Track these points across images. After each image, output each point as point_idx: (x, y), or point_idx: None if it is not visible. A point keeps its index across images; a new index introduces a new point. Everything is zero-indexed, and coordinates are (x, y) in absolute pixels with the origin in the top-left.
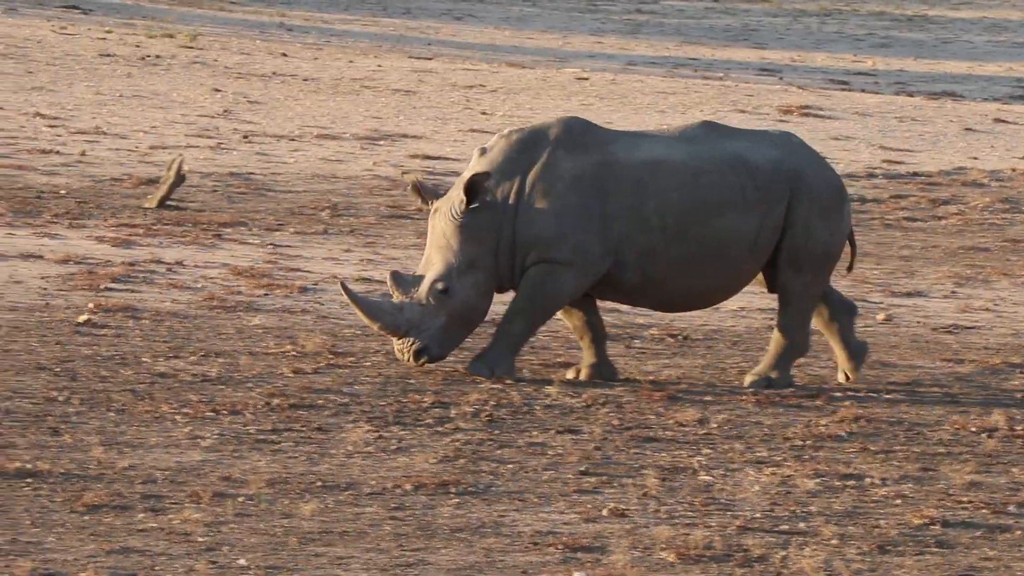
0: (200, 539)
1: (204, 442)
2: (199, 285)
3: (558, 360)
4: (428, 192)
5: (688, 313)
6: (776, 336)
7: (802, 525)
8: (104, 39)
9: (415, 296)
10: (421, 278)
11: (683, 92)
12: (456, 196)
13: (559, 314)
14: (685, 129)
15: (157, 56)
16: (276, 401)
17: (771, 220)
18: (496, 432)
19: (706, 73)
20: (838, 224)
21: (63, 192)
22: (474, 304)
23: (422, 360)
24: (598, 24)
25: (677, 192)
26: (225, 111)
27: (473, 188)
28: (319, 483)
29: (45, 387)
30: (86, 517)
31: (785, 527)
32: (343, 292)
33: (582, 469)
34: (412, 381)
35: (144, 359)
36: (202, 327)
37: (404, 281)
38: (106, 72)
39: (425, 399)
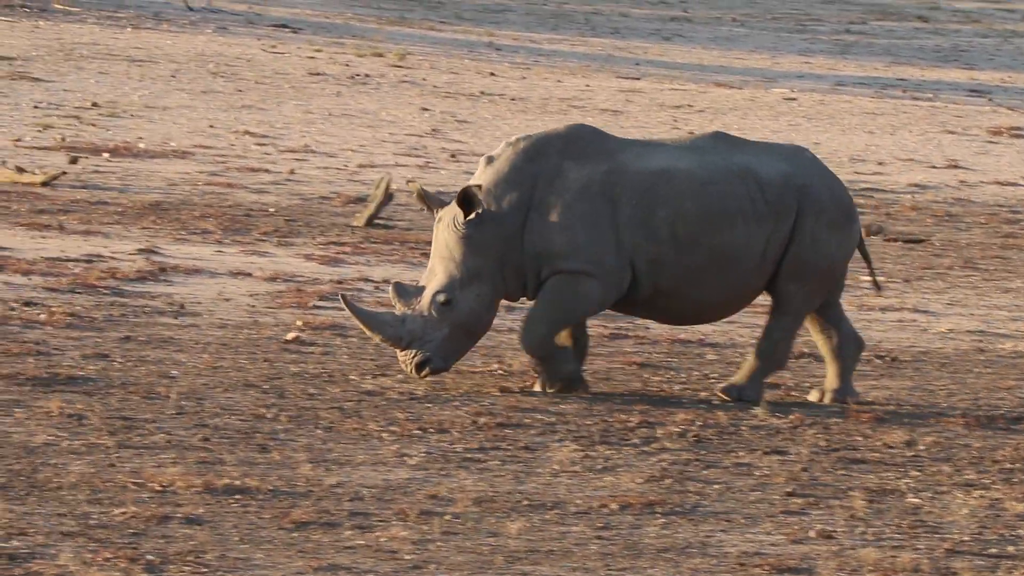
0: (407, 557)
1: (411, 460)
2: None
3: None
4: (433, 201)
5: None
6: (759, 344)
7: (1011, 549)
8: (314, 58)
9: (417, 307)
10: (423, 289)
11: (892, 113)
12: (457, 207)
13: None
14: (696, 139)
15: (366, 75)
16: (483, 420)
17: (779, 234)
18: (703, 452)
19: (915, 94)
20: (844, 240)
21: (272, 210)
22: (477, 315)
23: (424, 372)
24: (807, 44)
25: (687, 201)
26: (433, 130)
27: (466, 200)
28: (525, 502)
29: (253, 404)
30: (294, 534)
31: (994, 550)
32: (344, 304)
33: (789, 490)
34: (618, 401)
35: (351, 377)
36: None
37: (406, 292)
38: (315, 91)
39: (631, 419)
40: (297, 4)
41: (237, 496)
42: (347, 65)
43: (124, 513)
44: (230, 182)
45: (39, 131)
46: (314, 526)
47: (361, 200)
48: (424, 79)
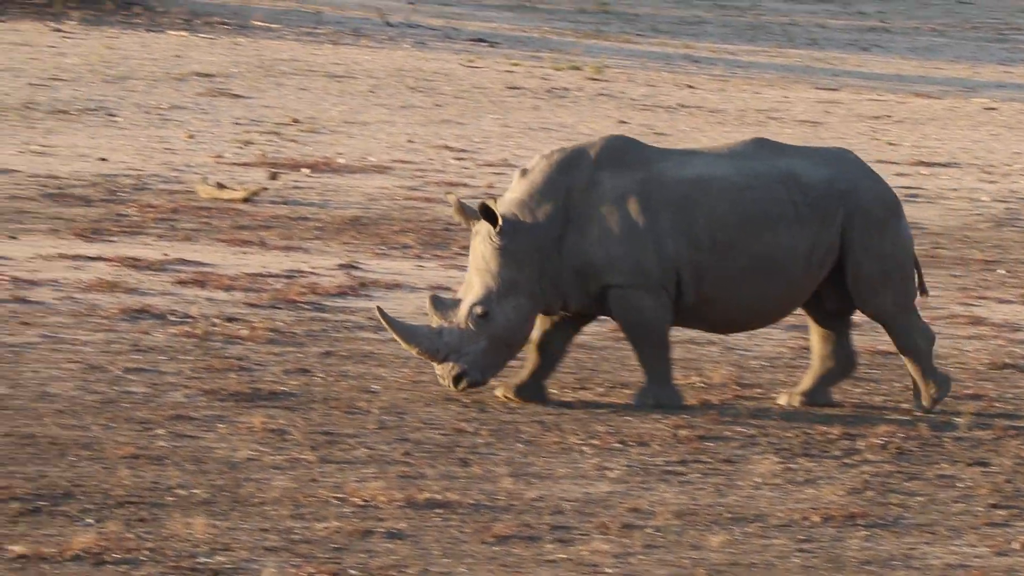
0: (608, 570)
1: (612, 473)
2: (604, 316)
3: (965, 392)
4: (470, 213)
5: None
6: (906, 356)
7: None
8: (511, 72)
9: (454, 320)
10: (460, 301)
11: None
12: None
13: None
14: (735, 145)
15: (564, 88)
16: (683, 432)
17: (824, 237)
18: (905, 464)
19: None
20: (896, 236)
21: None
22: (515, 328)
23: (462, 385)
24: (1007, 53)
25: (726, 207)
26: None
27: (488, 213)
28: (727, 514)
29: (454, 418)
30: (495, 548)
31: None
32: (379, 317)
33: (992, 502)
34: (819, 413)
35: (551, 390)
36: (609, 358)
37: (443, 305)
38: (513, 104)
39: (832, 431)
40: (494, 19)
41: (439, 510)
42: (544, 79)
43: (327, 528)
44: (429, 196)
45: (239, 147)
46: (515, 540)
47: None
48: (621, 92)
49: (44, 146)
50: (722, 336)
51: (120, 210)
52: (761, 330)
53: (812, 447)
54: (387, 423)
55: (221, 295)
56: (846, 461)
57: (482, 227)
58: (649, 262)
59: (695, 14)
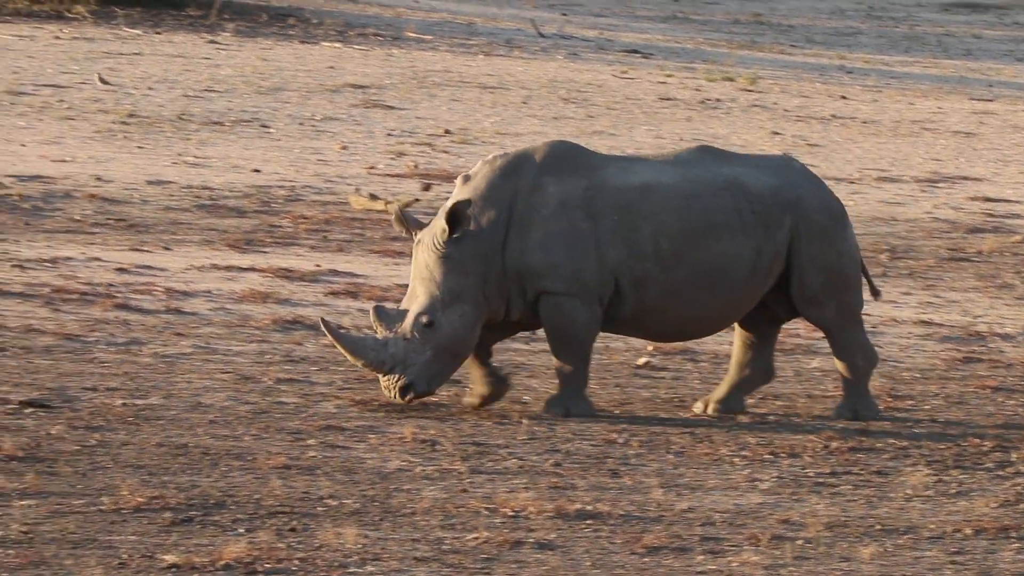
0: None
1: (762, 485)
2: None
3: None
4: (411, 223)
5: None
6: (839, 368)
7: None
8: (664, 83)
9: (399, 331)
10: (405, 312)
11: None
12: (439, 226)
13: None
14: (681, 153)
15: (717, 99)
16: (835, 444)
17: (770, 247)
18: None
19: None
20: (842, 245)
21: None
22: (461, 337)
23: (408, 396)
24: None
25: (671, 216)
26: (784, 154)
27: (455, 217)
28: (878, 526)
29: (605, 429)
30: (645, 559)
31: None
32: (324, 329)
33: None
34: (972, 425)
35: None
36: None
37: (388, 316)
38: (666, 116)
39: (985, 443)
40: (648, 30)
41: (589, 521)
42: (697, 90)
43: (477, 538)
44: None
45: (392, 159)
46: (665, 551)
47: None
48: (774, 103)
49: (198, 157)
50: (876, 347)
51: (273, 221)
52: (914, 341)
53: (964, 459)
54: (538, 434)
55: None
56: (999, 473)
57: (425, 235)
58: (588, 270)
59: (849, 25)
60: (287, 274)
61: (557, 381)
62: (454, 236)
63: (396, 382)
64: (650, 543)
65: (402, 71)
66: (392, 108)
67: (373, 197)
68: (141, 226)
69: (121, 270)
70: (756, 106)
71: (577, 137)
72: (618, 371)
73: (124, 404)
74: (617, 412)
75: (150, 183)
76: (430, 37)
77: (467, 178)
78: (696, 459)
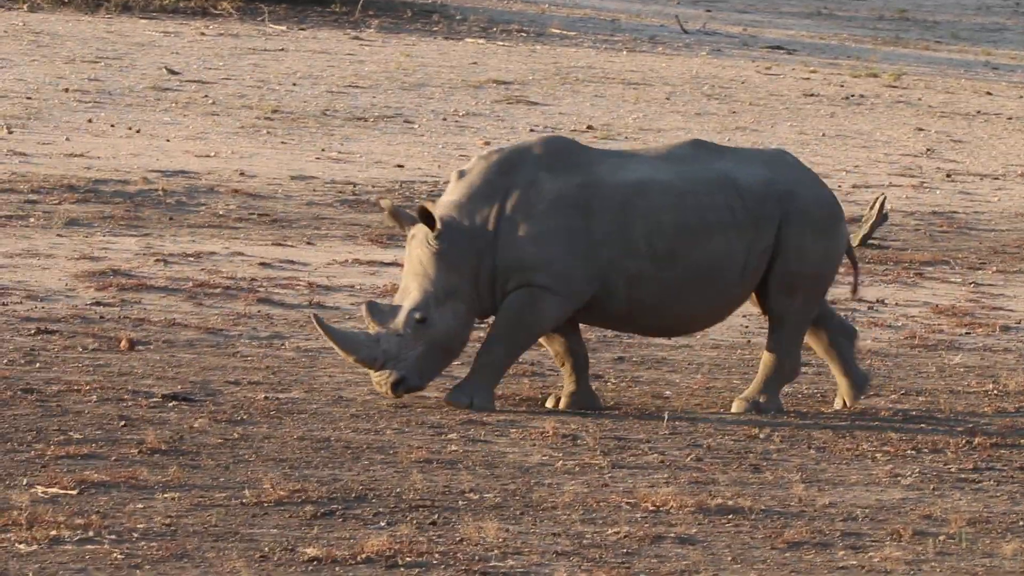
0: None
1: (904, 480)
2: (900, 323)
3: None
4: (405, 218)
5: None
6: (765, 359)
7: None
8: (808, 79)
9: (392, 326)
10: (398, 308)
11: None
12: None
13: (542, 339)
14: (673, 148)
15: (861, 95)
16: (977, 440)
17: (762, 242)
18: None
19: None
20: (832, 245)
21: None
22: (454, 333)
23: (400, 392)
24: None
25: (665, 215)
26: (928, 150)
27: (426, 216)
28: (1021, 522)
29: (746, 424)
30: (787, 554)
31: None
32: (316, 324)
33: None
34: None
35: (844, 397)
36: (903, 365)
37: (380, 312)
38: (809, 112)
39: None
40: (792, 26)
41: (730, 516)
42: (842, 86)
43: (617, 533)
44: None
45: None
46: (807, 546)
47: (855, 220)
48: (919, 99)
49: (341, 153)
50: (1019, 344)
51: None
52: None
53: None
54: (679, 428)
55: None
56: None
57: (419, 231)
58: (576, 267)
59: (995, 21)
60: None
61: (473, 368)
62: (437, 232)
63: (388, 378)
64: (791, 538)
65: (545, 67)
66: (535, 104)
67: None
68: (284, 221)
69: (264, 265)
70: (900, 102)
71: (720, 133)
72: (755, 365)
73: (266, 398)
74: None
75: (293, 178)
76: (574, 33)
77: (462, 174)
78: (838, 454)
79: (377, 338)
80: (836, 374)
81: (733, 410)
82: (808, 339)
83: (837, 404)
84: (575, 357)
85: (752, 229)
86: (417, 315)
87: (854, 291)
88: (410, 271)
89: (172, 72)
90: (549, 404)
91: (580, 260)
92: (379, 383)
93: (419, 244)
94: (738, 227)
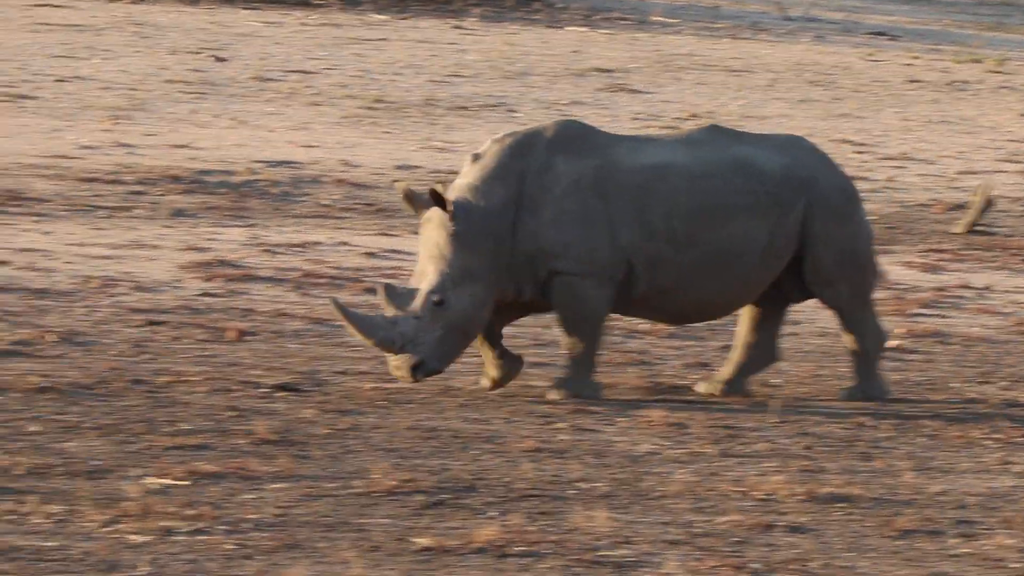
0: (1013, 565)
1: (1016, 467)
2: (1008, 310)
3: None
4: (420, 201)
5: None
6: (849, 347)
7: None
8: (911, 65)
9: (410, 309)
10: (415, 291)
11: None
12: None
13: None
14: (691, 132)
15: (964, 81)
16: None
17: (783, 227)
18: None
19: None
20: (856, 226)
21: (872, 218)
22: (471, 315)
23: (420, 376)
24: None
25: (684, 197)
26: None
27: (437, 199)
28: None
29: (855, 412)
30: (898, 542)
31: None
32: (334, 309)
33: None
34: None
35: (953, 384)
36: (1012, 352)
37: (397, 294)
38: (913, 98)
39: None
40: (894, 12)
41: (840, 504)
42: (945, 72)
43: (728, 521)
44: None
45: None
46: (918, 534)
47: (961, 207)
48: (1023, 84)
49: (445, 142)
50: None
51: None
52: None
53: None
54: (788, 417)
55: None
56: None
57: (434, 214)
58: (601, 250)
59: None
60: None
61: (566, 363)
62: (450, 212)
63: (407, 361)
64: (902, 526)
65: (647, 55)
66: (637, 92)
67: None
68: (389, 210)
69: (369, 254)
70: (1004, 88)
71: (823, 120)
72: None
73: (375, 388)
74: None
75: (398, 167)
76: (676, 20)
77: (476, 157)
78: (948, 442)
79: (395, 321)
80: (730, 362)
81: (844, 399)
82: (741, 324)
83: (701, 386)
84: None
85: (772, 213)
86: (435, 297)
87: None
88: (427, 254)
89: (219, 59)
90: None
91: (601, 242)
92: (397, 367)
93: (435, 227)
94: (758, 211)
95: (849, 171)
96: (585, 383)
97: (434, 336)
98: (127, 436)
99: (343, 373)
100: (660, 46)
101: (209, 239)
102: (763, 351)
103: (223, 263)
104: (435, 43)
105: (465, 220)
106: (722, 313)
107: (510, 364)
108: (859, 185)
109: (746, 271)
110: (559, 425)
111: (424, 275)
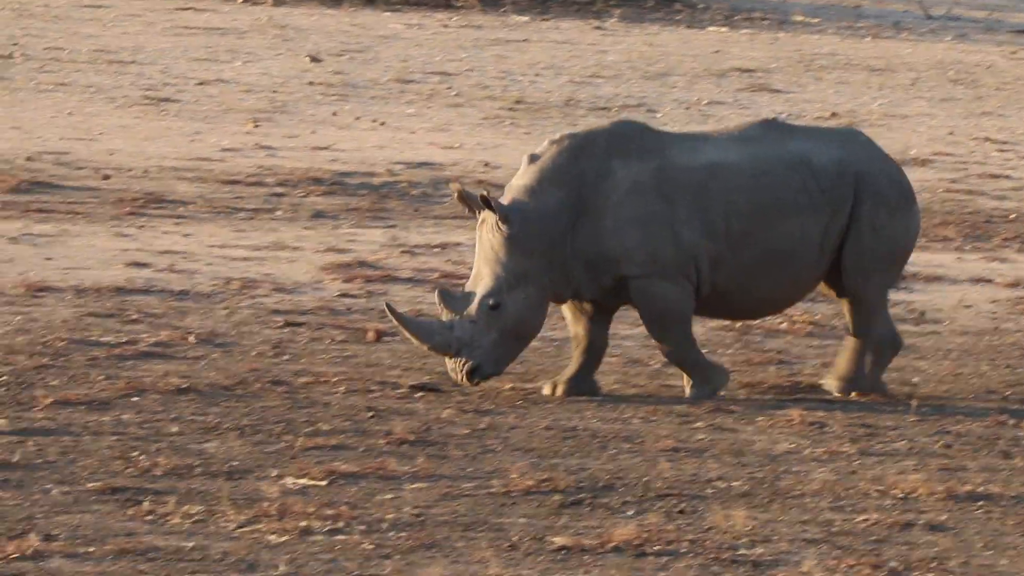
0: None
1: None
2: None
3: None
4: (475, 203)
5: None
6: (856, 341)
7: None
8: None
9: (466, 313)
10: (470, 295)
11: None
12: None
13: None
14: (745, 129)
15: None
16: None
17: (837, 223)
18: None
19: None
20: (907, 223)
21: (1013, 216)
22: (526, 319)
23: (476, 380)
24: None
25: (741, 196)
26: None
27: (489, 204)
28: None
29: (995, 410)
30: None
31: None
32: (389, 314)
33: None
34: None
35: None
36: None
37: (453, 299)
38: None
39: None
40: None
41: (980, 503)
42: None
43: (866, 520)
44: (970, 189)
45: None
46: None
47: None
48: None
49: None
50: None
51: None
52: None
53: None
54: (927, 415)
55: None
56: None
57: (489, 216)
58: (665, 252)
59: None
60: None
61: (681, 372)
62: (506, 217)
63: (463, 364)
64: None
65: (788, 54)
66: (778, 92)
67: None
68: None
69: None
70: None
71: (966, 119)
72: (1009, 353)
73: (512, 388)
74: (1008, 393)
75: None
76: (817, 20)
77: (534, 157)
78: None
79: (450, 325)
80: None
81: (836, 392)
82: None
83: (545, 390)
84: (591, 345)
85: (827, 210)
86: (490, 301)
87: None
88: (482, 256)
89: (315, 60)
90: (545, 391)
91: (665, 243)
92: (454, 371)
93: (490, 229)
94: (813, 208)
95: (991, 169)
96: (713, 374)
97: (489, 340)
98: (266, 437)
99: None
100: (801, 45)
101: (349, 240)
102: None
103: (363, 264)
104: (576, 44)
105: (521, 223)
106: (778, 311)
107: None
108: (1001, 183)
109: (802, 268)
110: (697, 424)
111: (480, 278)
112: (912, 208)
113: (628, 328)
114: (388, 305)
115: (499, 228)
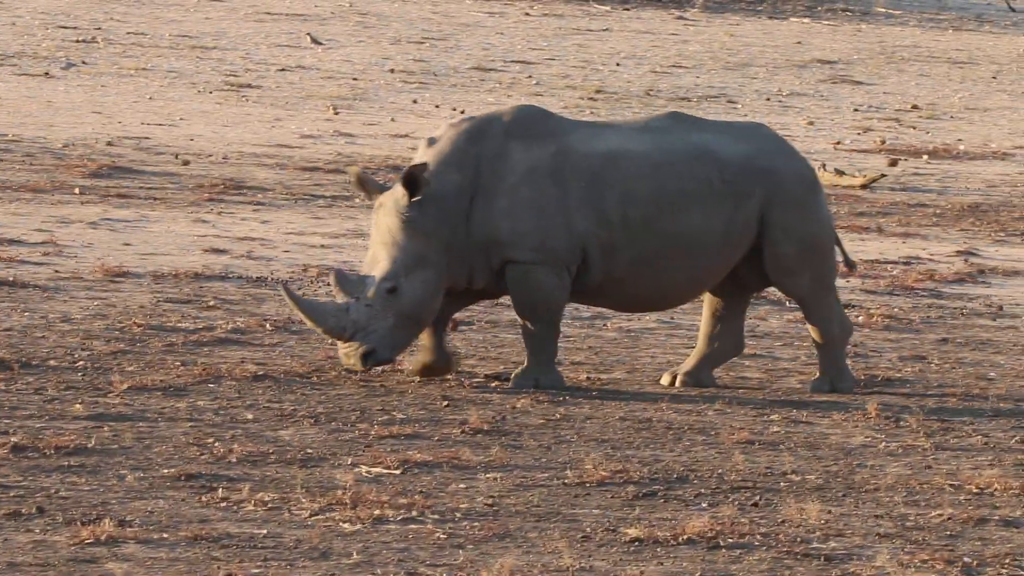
0: None
1: None
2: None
3: None
4: (372, 185)
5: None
6: (815, 338)
7: None
8: None
9: (362, 297)
10: (366, 278)
11: None
12: (400, 190)
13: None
14: (651, 120)
15: None
16: None
17: (741, 216)
18: None
19: None
20: (817, 216)
21: None
22: (423, 302)
23: (370, 364)
24: None
25: (639, 184)
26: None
27: (412, 181)
28: None
29: None
30: None
31: None
32: (284, 294)
33: None
34: None
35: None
36: None
37: (348, 281)
38: None
39: None
40: None
41: None
42: None
43: (941, 515)
44: None
45: (859, 134)
46: None
47: None
48: None
49: None
50: None
51: None
52: None
53: None
54: (1003, 410)
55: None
56: None
57: (386, 199)
58: (556, 239)
59: None
60: None
61: (526, 353)
62: (414, 200)
63: (357, 349)
64: None
65: (870, 46)
66: (859, 83)
67: (839, 173)
68: None
69: None
70: None
71: None
72: None
73: (588, 378)
74: None
75: None
76: (899, 12)
77: (432, 141)
78: None
79: (346, 308)
80: (695, 355)
81: (811, 391)
82: (704, 315)
83: (665, 379)
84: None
85: (730, 202)
86: (387, 285)
87: (849, 265)
88: (379, 240)
89: (316, 42)
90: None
91: (557, 230)
92: (347, 355)
93: (388, 212)
94: (715, 200)
95: None
96: (549, 374)
97: (386, 324)
98: (341, 425)
99: (557, 363)
100: (883, 37)
101: None
102: (727, 342)
103: None
104: (657, 34)
105: (419, 207)
106: (677, 303)
107: (444, 359)
108: None
109: (702, 261)
110: (772, 417)
111: (376, 262)
112: (819, 198)
113: (692, 319)
114: (284, 286)
115: (398, 211)
